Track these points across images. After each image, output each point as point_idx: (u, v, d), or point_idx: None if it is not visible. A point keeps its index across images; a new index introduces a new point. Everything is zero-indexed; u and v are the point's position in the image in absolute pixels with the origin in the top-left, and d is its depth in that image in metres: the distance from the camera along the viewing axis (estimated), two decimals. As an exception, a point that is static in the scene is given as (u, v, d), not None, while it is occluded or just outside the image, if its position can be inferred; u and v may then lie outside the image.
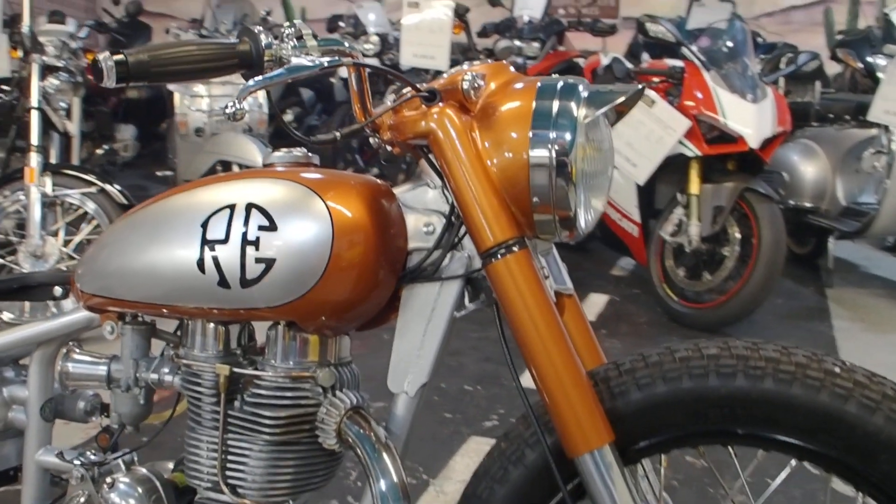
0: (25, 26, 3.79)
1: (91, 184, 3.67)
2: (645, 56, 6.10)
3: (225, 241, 1.13)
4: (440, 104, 1.12)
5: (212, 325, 1.24)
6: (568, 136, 1.06)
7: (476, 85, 1.10)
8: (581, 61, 5.84)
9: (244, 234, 1.12)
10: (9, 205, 3.68)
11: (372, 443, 1.14)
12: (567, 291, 1.19)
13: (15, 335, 1.44)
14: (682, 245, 3.99)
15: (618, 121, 1.22)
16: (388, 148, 1.21)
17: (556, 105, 1.07)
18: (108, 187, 3.67)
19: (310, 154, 1.26)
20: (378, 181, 1.22)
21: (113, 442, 1.40)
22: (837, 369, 1.04)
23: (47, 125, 3.82)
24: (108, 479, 1.26)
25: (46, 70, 3.93)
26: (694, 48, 4.02)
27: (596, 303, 4.44)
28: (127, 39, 6.94)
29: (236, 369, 1.20)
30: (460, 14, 4.97)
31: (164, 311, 1.23)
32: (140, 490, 1.26)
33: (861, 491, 1.04)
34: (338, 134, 1.11)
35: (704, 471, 2.41)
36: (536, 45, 5.85)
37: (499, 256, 1.07)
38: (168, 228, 1.18)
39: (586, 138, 1.11)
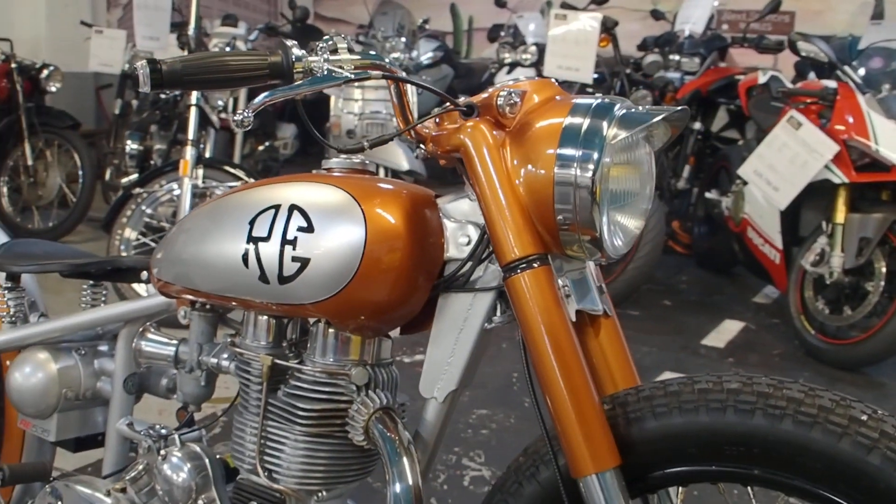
0: (191, 28, 4.08)
1: (238, 178, 3.90)
2: (812, 76, 5.81)
3: (267, 238, 1.19)
4: (476, 118, 1.13)
5: (264, 318, 1.31)
6: (595, 156, 1.05)
7: (511, 101, 1.11)
8: (742, 78, 5.63)
9: (284, 234, 1.18)
10: (163, 194, 3.96)
11: (394, 444, 1.18)
12: (596, 312, 1.17)
13: (106, 313, 1.57)
14: (822, 276, 3.78)
15: (668, 142, 1.20)
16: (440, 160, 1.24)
17: (586, 123, 1.07)
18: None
19: (367, 162, 1.31)
20: (423, 190, 1.25)
21: (188, 419, 1.50)
22: (864, 417, 0.98)
23: (204, 121, 4.10)
24: (163, 452, 1.36)
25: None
26: (849, 69, 3.79)
27: (729, 329, 4.27)
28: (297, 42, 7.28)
29: (278, 361, 1.27)
30: (608, 27, 4.91)
31: (220, 301, 1.31)
32: (189, 465, 1.35)
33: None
34: (366, 143, 1.15)
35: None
36: (697, 60, 5.70)
37: (518, 271, 1.08)
38: (225, 223, 1.26)
39: (623, 158, 1.10)
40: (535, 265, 1.08)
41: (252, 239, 1.21)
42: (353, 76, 1.10)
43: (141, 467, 1.39)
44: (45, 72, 5.93)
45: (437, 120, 1.20)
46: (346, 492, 1.33)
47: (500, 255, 1.10)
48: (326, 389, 1.24)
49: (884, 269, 3.65)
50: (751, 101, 4.95)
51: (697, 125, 5.56)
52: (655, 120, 1.09)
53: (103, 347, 1.64)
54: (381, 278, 1.16)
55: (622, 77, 5.25)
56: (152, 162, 5.57)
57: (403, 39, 6.44)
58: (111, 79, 6.72)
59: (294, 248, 1.18)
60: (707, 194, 5.06)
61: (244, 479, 1.31)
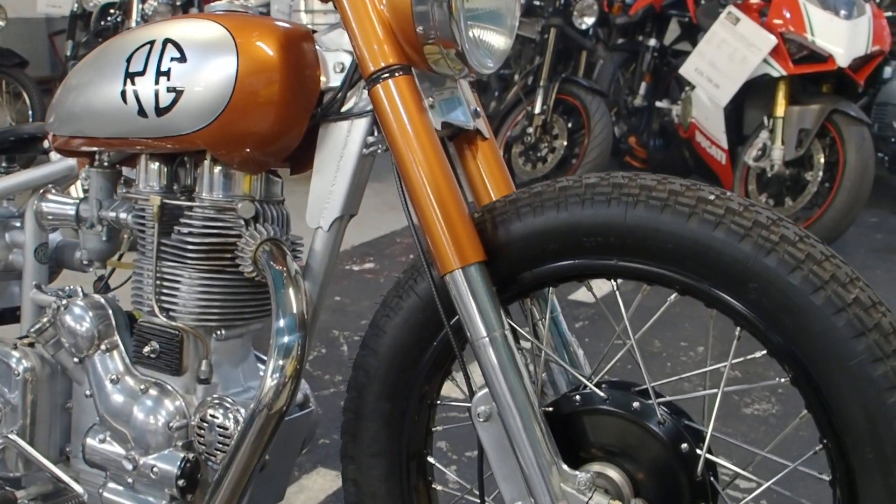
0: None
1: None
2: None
3: (143, 73, 1.21)
4: (336, -64, 1.15)
5: (155, 164, 1.33)
6: (449, -34, 1.07)
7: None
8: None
9: (158, 66, 1.20)
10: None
11: (281, 273, 1.21)
12: (466, 126, 1.20)
13: (9, 182, 1.58)
14: (764, 170, 3.84)
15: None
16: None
17: (441, -64, 1.09)
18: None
19: (248, 5, 1.32)
20: (301, 26, 1.27)
21: (103, 285, 1.53)
22: (712, 196, 1.02)
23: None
24: (65, 302, 1.39)
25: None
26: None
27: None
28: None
29: (168, 200, 1.29)
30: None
31: (110, 145, 1.33)
32: (92, 313, 1.37)
33: (740, 325, 1.02)
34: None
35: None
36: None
37: (380, 81, 1.10)
38: (104, 66, 1.28)
39: None
40: (397, 74, 1.10)
41: (129, 75, 1.23)
42: None
43: (45, 319, 1.42)
44: (-12, 12, 5.82)
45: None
46: (247, 333, 1.36)
47: (364, 70, 1.12)
48: (215, 224, 1.27)
49: (822, 160, 3.71)
50: (699, 9, 4.96)
51: (653, 41, 5.55)
52: None
53: (16, 222, 1.65)
54: (256, 107, 1.18)
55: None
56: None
57: None
58: (63, 24, 6.60)
59: (168, 80, 1.19)
60: (658, 103, 5.09)
61: (144, 320, 1.34)
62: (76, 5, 6.00)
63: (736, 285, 1.00)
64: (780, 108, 3.74)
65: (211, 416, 1.27)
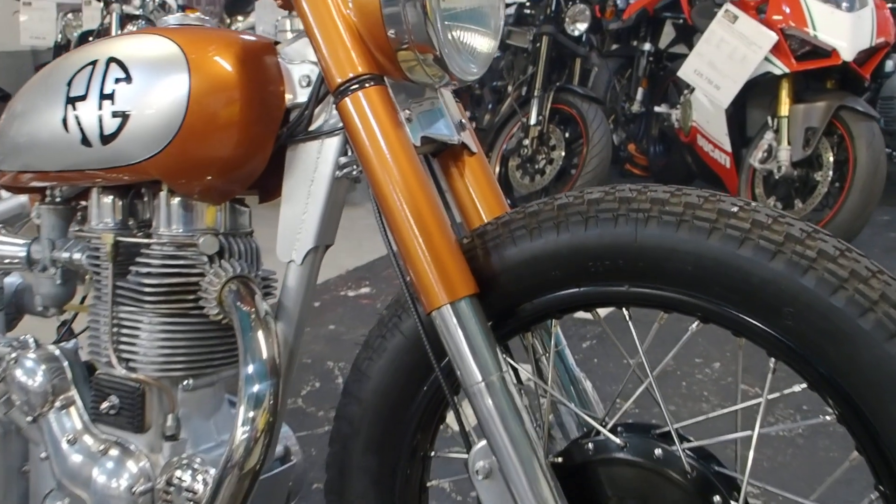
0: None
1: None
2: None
3: (84, 97, 1.08)
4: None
5: (108, 198, 1.20)
6: (420, -40, 0.94)
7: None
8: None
9: (101, 89, 1.07)
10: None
11: (247, 314, 1.07)
12: (450, 141, 1.07)
13: (-44, 223, 1.45)
14: (771, 171, 3.70)
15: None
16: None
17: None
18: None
19: (205, 18, 1.19)
20: (263, 37, 1.13)
21: (66, 330, 1.39)
22: (735, 209, 0.88)
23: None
24: (14, 355, 1.25)
25: (126, 19, 4.05)
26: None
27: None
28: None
29: (122, 238, 1.16)
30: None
31: (58, 180, 1.20)
32: (44, 367, 1.24)
33: (774, 356, 0.88)
34: None
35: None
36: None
37: (348, 93, 0.97)
38: (46, 91, 1.14)
39: None
40: (367, 85, 0.97)
41: (70, 100, 1.09)
42: None
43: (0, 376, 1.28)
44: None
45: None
46: (219, 381, 1.23)
47: (330, 82, 0.99)
48: (175, 263, 1.13)
49: (831, 159, 3.56)
50: (693, 10, 4.83)
51: (647, 46, 5.43)
52: None
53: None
54: (214, 130, 1.05)
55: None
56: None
57: None
58: (49, 56, 6.49)
59: (113, 103, 1.06)
60: (657, 108, 4.96)
61: (102, 373, 1.20)
62: (60, 36, 5.90)
63: (768, 311, 0.86)
64: (785, 107, 3.60)
65: (178, 478, 1.13)
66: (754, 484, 0.93)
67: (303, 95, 1.08)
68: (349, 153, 1.05)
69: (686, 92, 4.38)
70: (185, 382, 1.17)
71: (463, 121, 1.11)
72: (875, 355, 0.81)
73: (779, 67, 3.57)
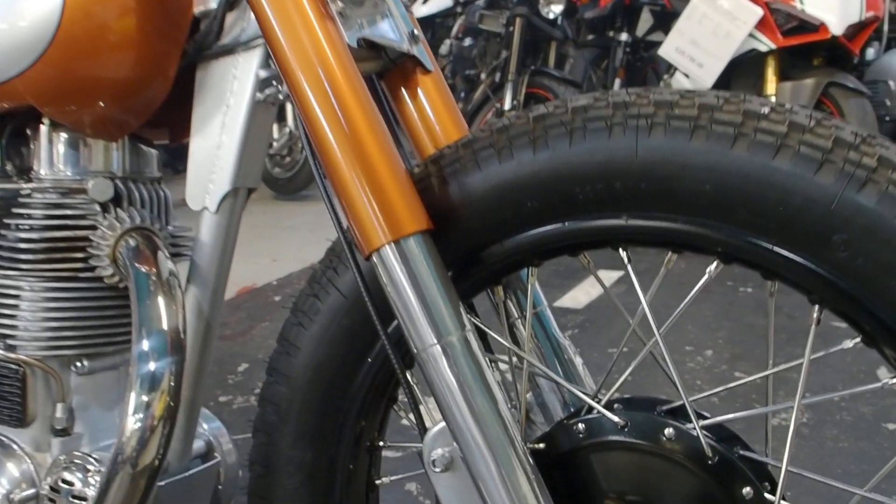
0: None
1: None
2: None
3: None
4: None
5: (-17, 139, 0.97)
6: None
7: None
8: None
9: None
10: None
11: (146, 275, 0.85)
12: (397, 47, 0.85)
13: None
14: (758, 154, 3.51)
15: None
16: None
17: None
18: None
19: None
20: None
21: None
22: (766, 109, 0.67)
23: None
24: None
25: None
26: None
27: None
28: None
29: (-7, 185, 0.93)
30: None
31: None
32: None
33: (818, 303, 0.67)
34: None
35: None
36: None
37: (260, -23, 0.75)
38: None
39: None
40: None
41: None
42: None
43: None
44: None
45: None
46: (124, 363, 1.00)
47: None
48: (59, 213, 0.91)
49: (821, 138, 3.38)
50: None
51: (624, 36, 5.24)
52: None
53: None
54: (99, 40, 0.83)
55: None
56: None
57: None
58: None
59: None
60: (635, 95, 4.77)
61: (-23, 356, 0.97)
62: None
63: (813, 240, 0.65)
64: (771, 85, 3.42)
65: (65, 481, 0.90)
66: (795, 472, 0.72)
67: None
68: (272, 66, 0.84)
69: (665, 76, 4.19)
70: (77, 364, 0.95)
71: (416, 32, 0.89)
72: (958, 295, 0.61)
73: (764, 43, 3.39)
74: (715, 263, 0.71)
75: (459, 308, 0.71)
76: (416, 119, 0.89)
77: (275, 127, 4.95)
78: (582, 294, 3.03)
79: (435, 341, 0.69)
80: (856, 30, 3.36)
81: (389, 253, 0.70)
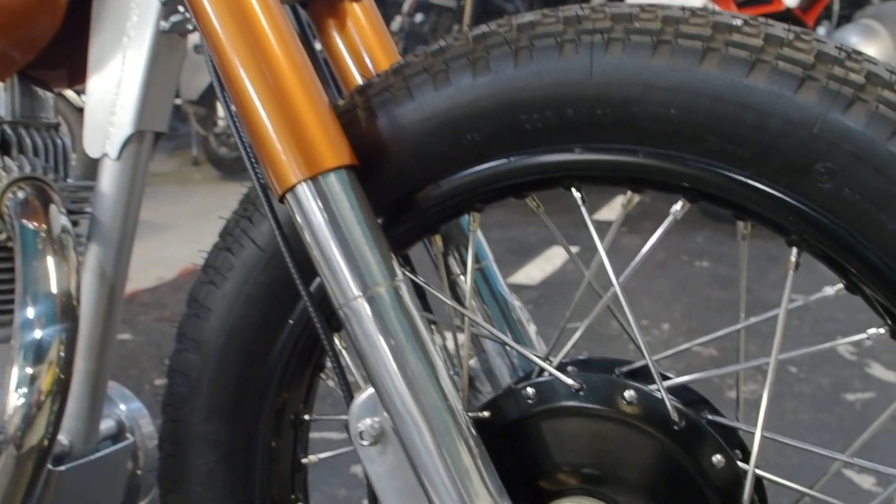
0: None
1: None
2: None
3: None
4: None
5: None
6: None
7: None
8: None
9: None
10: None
11: (33, 231, 0.74)
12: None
13: None
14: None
15: None
16: None
17: None
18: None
19: None
20: None
21: None
22: (738, 21, 0.59)
23: None
24: None
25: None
26: None
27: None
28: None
29: None
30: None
31: None
32: None
33: (797, 244, 0.59)
34: None
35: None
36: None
37: None
38: None
39: None
40: None
41: None
42: None
43: None
44: None
45: None
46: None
47: None
48: (-67, 162, 0.79)
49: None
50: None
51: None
52: None
53: None
54: None
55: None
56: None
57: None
58: None
59: None
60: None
61: None
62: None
63: (792, 170, 0.56)
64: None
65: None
66: (770, 438, 0.64)
67: None
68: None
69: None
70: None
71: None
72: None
73: (719, 14, 3.33)
74: (681, 203, 0.63)
75: (389, 255, 0.61)
76: (344, 50, 0.79)
77: (219, 105, 4.80)
78: (536, 270, 2.95)
79: (359, 293, 0.59)
80: (809, 3, 3.32)
81: (305, 191, 0.60)
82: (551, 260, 3.06)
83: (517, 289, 2.71)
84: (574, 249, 0.71)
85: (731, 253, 2.90)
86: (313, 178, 0.60)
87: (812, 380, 2.05)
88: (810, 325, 2.40)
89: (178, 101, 5.22)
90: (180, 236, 3.47)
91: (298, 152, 0.61)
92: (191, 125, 5.50)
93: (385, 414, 0.61)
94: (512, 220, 3.68)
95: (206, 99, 5.10)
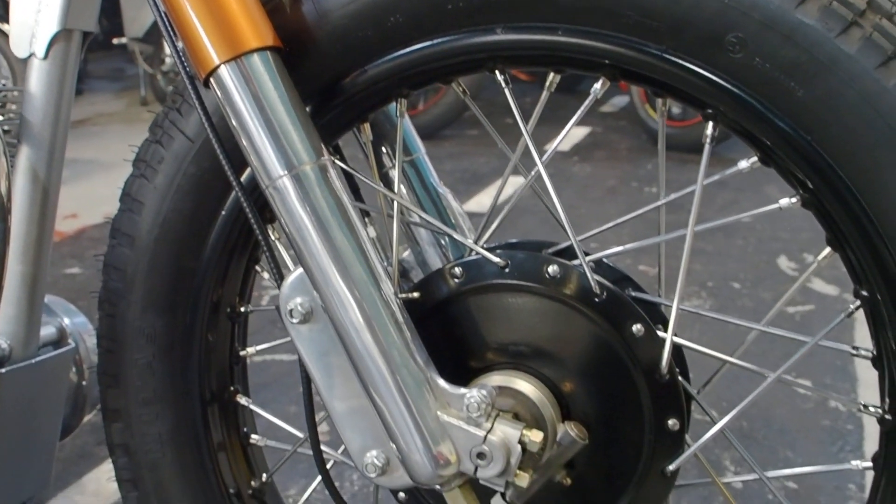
0: None
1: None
2: None
3: None
4: None
5: None
6: None
7: None
8: None
9: None
10: None
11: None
12: None
13: None
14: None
15: None
16: None
17: None
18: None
19: None
20: None
21: None
22: None
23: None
24: None
25: None
26: None
27: (573, 135, 3.97)
28: None
29: None
30: None
31: None
32: None
33: (712, 118, 0.61)
34: None
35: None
36: None
37: None
38: None
39: None
40: None
41: None
42: None
43: None
44: None
45: None
46: None
47: None
48: None
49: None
50: None
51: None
52: None
53: None
54: None
55: None
56: None
57: None
58: None
59: None
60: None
61: None
62: None
63: (705, 42, 0.58)
64: None
65: None
66: (688, 311, 0.66)
67: None
68: None
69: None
70: None
71: None
72: (863, 91, 0.55)
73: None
74: (601, 81, 0.64)
75: (315, 135, 0.62)
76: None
77: (165, 43, 4.69)
78: (487, 198, 2.97)
79: (284, 171, 0.60)
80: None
81: (228, 73, 0.60)
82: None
83: (469, 216, 2.73)
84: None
85: (679, 178, 2.94)
86: (236, 59, 0.60)
87: (754, 294, 2.10)
88: (755, 245, 2.45)
89: (124, 40, 5.10)
90: (128, 174, 3.42)
91: (220, 34, 0.61)
92: (138, 64, 5.37)
93: (315, 293, 0.62)
94: (464, 150, 3.68)
95: (153, 36, 4.98)
